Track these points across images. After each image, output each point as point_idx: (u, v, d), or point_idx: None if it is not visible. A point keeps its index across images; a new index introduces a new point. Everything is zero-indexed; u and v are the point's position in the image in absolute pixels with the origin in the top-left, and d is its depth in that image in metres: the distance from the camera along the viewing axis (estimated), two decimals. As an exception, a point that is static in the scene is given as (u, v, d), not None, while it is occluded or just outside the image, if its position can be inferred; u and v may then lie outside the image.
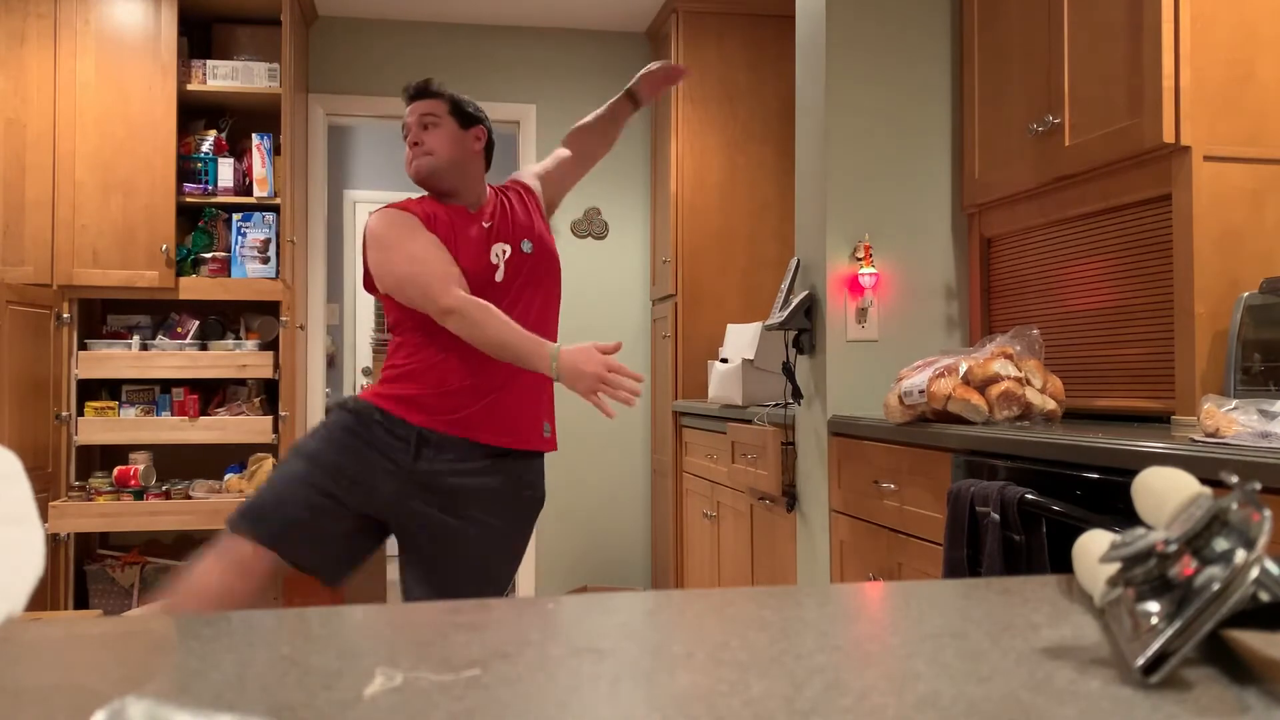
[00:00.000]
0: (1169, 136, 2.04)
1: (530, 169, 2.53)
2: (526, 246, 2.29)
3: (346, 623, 0.67)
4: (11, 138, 3.77)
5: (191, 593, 2.10)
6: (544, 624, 0.66)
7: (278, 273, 4.01)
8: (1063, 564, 1.64)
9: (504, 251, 2.27)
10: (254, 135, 4.04)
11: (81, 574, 3.90)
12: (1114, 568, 0.60)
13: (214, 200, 3.99)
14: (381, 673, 0.54)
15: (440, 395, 2.20)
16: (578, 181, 2.58)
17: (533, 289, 2.29)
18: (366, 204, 6.43)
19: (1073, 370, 2.43)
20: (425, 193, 2.34)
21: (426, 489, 2.18)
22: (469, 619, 0.68)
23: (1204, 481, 0.67)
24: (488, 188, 2.38)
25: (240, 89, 4.02)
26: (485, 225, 2.28)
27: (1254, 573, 0.52)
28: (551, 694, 0.51)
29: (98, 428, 3.85)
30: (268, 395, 4.06)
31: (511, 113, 4.83)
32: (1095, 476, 1.62)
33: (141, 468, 3.80)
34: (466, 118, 2.34)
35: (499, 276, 2.25)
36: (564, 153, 2.55)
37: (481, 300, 2.12)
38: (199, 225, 4.04)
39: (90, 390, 3.92)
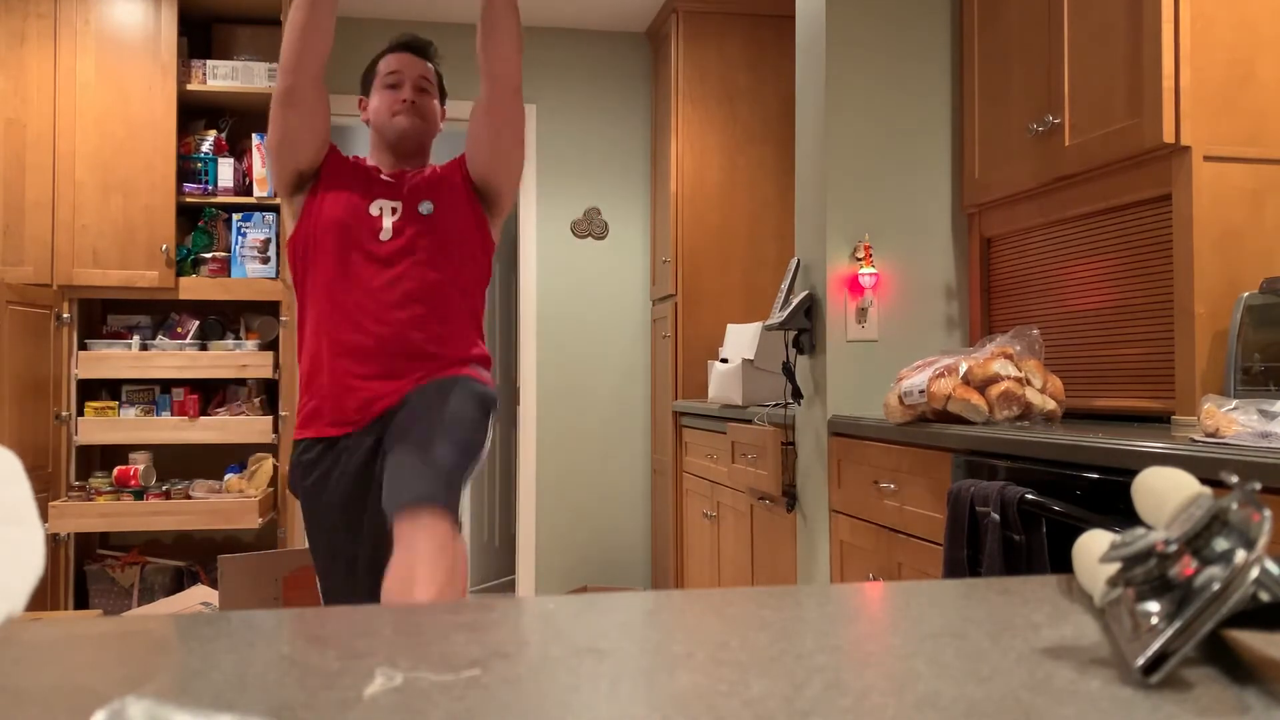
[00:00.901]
0: (1169, 136, 2.04)
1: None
2: (425, 208, 2.13)
3: (346, 623, 0.67)
4: (11, 138, 3.77)
5: None
6: (544, 624, 0.66)
7: (278, 273, 4.01)
8: (1063, 564, 1.64)
9: (393, 210, 2.11)
10: (254, 135, 4.04)
11: (81, 574, 3.90)
12: (1114, 568, 0.60)
13: (214, 200, 3.99)
14: (381, 673, 0.54)
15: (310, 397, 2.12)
16: (490, 122, 2.16)
17: (430, 257, 2.11)
18: (366, 204, 6.43)
19: (1073, 370, 2.43)
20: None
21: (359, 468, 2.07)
22: (469, 619, 0.68)
23: (1204, 481, 0.67)
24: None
25: (240, 89, 4.02)
26: (385, 178, 2.17)
27: (1254, 573, 0.52)
28: (551, 694, 0.51)
29: (98, 428, 3.85)
30: (268, 395, 4.06)
31: (511, 113, 4.82)
32: (1095, 476, 1.62)
33: (141, 468, 3.80)
34: (443, 93, 2.33)
35: (383, 235, 2.09)
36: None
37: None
38: (199, 225, 4.04)
39: (90, 390, 3.92)
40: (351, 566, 2.07)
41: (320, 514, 2.11)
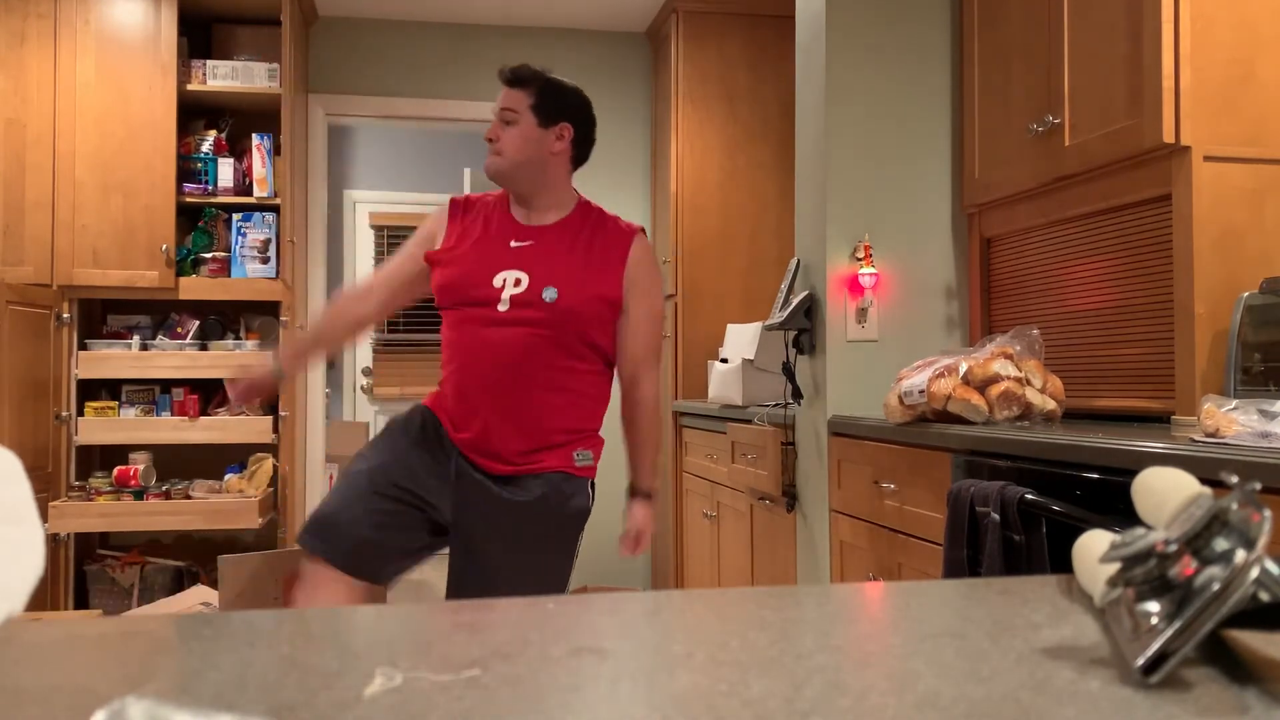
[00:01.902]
0: (1169, 136, 2.04)
1: (651, 266, 2.22)
2: (549, 295, 2.06)
3: (346, 623, 0.67)
4: (11, 138, 3.77)
5: None
6: (544, 624, 0.66)
7: (278, 273, 4.01)
8: (1063, 564, 1.64)
9: (516, 282, 2.07)
10: (254, 135, 4.04)
11: (81, 574, 3.90)
12: (1114, 568, 0.60)
13: (214, 200, 3.99)
14: (381, 673, 0.54)
15: (453, 412, 2.16)
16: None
17: (539, 347, 2.08)
18: (366, 204, 6.43)
19: (1073, 370, 2.43)
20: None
21: (468, 503, 2.13)
22: (469, 619, 0.68)
23: (1204, 481, 0.67)
24: (577, 200, 2.21)
25: (240, 89, 4.02)
26: (514, 244, 2.12)
27: (1254, 573, 0.52)
28: (551, 694, 0.51)
29: (98, 428, 3.85)
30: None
31: (511, 113, 4.82)
32: (1095, 476, 1.62)
33: (141, 468, 3.80)
34: (548, 114, 2.13)
35: (502, 306, 2.07)
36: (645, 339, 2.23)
37: (343, 299, 2.27)
38: (199, 225, 4.04)
39: (90, 390, 3.92)
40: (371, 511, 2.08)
41: (393, 457, 2.14)
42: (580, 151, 2.21)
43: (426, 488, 2.11)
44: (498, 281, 2.09)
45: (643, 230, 2.24)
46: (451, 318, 2.16)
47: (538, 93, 2.14)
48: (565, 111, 2.16)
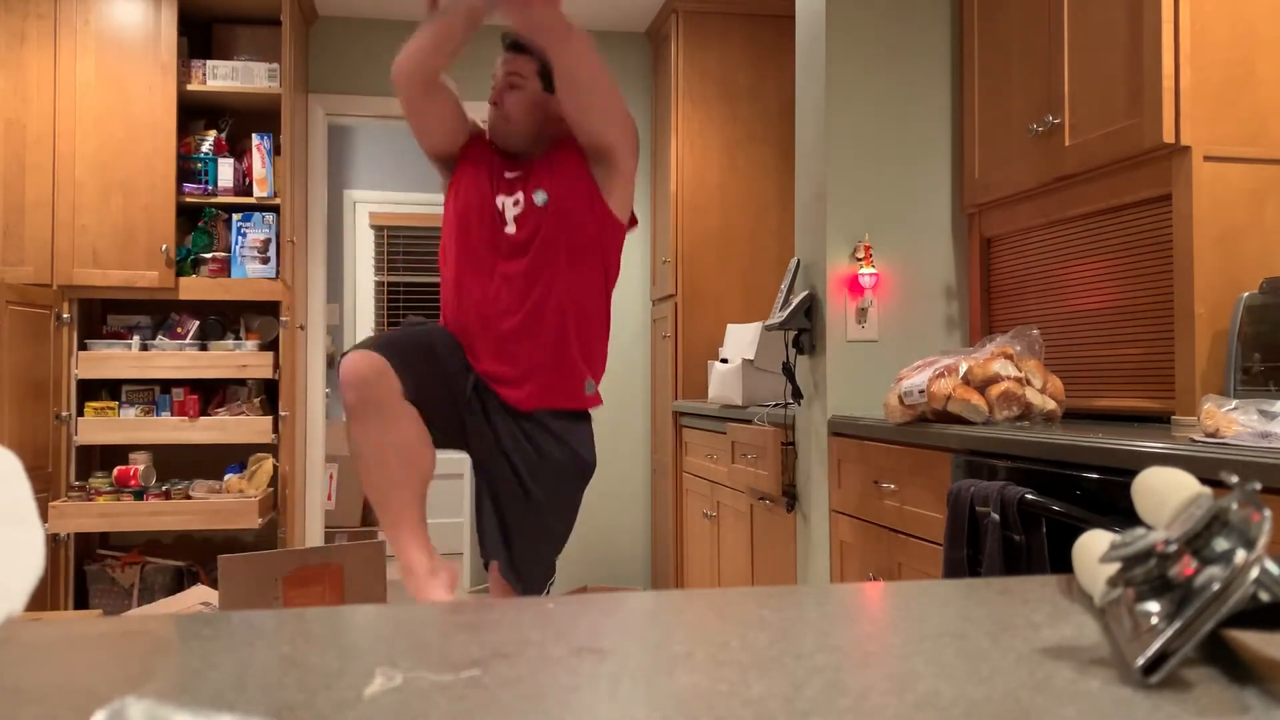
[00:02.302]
0: (1169, 136, 2.04)
1: None
2: (539, 198, 2.19)
3: (346, 623, 0.67)
4: (11, 138, 3.77)
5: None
6: (544, 624, 0.66)
7: (278, 273, 4.01)
8: (1063, 564, 1.64)
9: (515, 203, 2.20)
10: (254, 135, 4.04)
11: (81, 574, 3.90)
12: (1114, 568, 0.60)
13: (214, 200, 3.99)
14: (381, 673, 0.54)
15: (453, 322, 2.24)
16: (582, 105, 2.20)
17: (553, 249, 2.17)
18: (366, 204, 6.43)
19: (1073, 370, 2.43)
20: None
21: (482, 428, 2.20)
22: (469, 619, 0.68)
23: (1204, 481, 0.67)
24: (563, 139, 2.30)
25: (240, 89, 4.02)
26: (509, 175, 2.24)
27: (1254, 573, 0.52)
28: (551, 694, 0.51)
29: (98, 428, 3.85)
30: (268, 395, 4.06)
31: (511, 113, 4.82)
32: (1095, 476, 1.62)
33: (141, 468, 3.80)
34: (552, 80, 2.22)
35: (509, 229, 2.19)
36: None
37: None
38: (199, 225, 4.04)
39: (90, 390, 3.92)
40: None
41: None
42: None
43: None
44: (499, 205, 2.22)
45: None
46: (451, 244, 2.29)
47: (541, 59, 2.23)
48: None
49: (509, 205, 2.21)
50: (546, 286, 2.17)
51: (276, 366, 3.97)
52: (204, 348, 3.98)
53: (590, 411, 2.29)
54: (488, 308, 2.17)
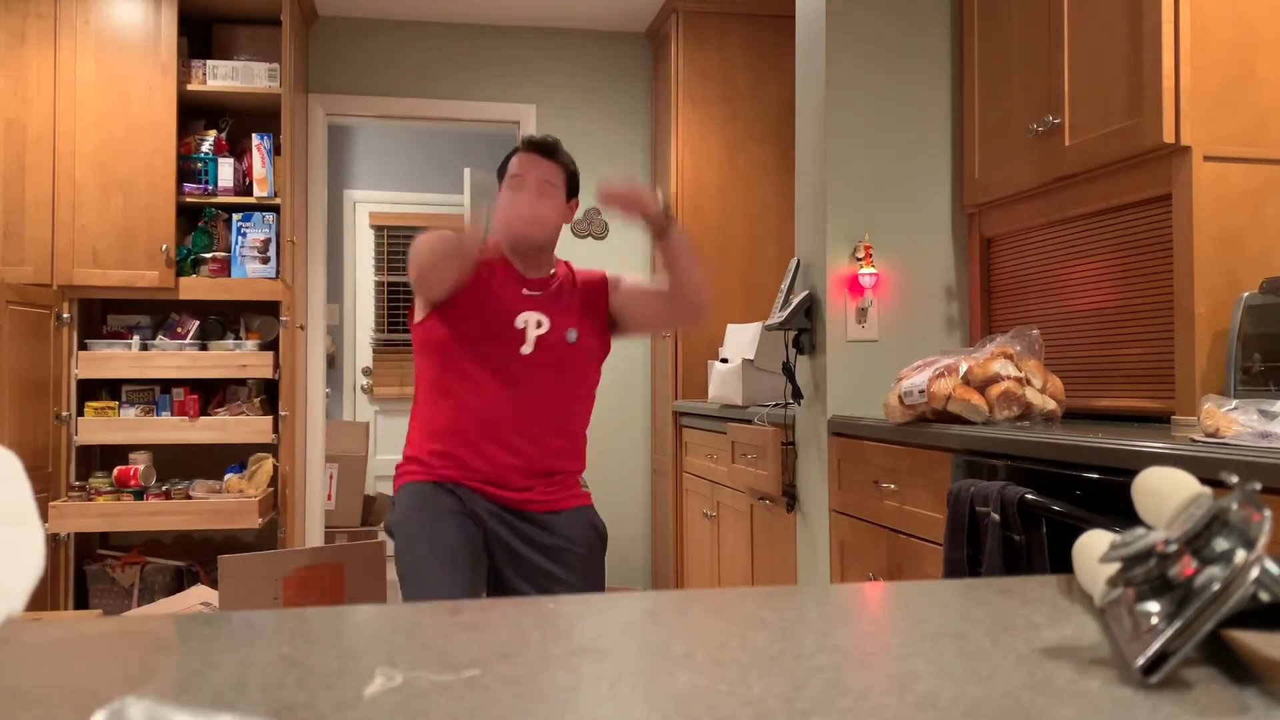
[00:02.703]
0: (1169, 136, 2.04)
1: (623, 276, 2.41)
2: (571, 336, 2.24)
3: (346, 623, 0.67)
4: (11, 138, 3.77)
5: None
6: (544, 624, 0.66)
7: (278, 273, 4.01)
8: (1063, 564, 1.64)
9: (538, 324, 2.21)
10: (254, 135, 4.04)
11: (81, 574, 3.90)
12: (1114, 568, 0.60)
13: (214, 200, 3.99)
14: (381, 673, 0.54)
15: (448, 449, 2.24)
16: (666, 323, 2.44)
17: (556, 379, 2.23)
18: (366, 204, 6.43)
19: (1073, 370, 2.43)
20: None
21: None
22: (469, 619, 0.68)
23: (1204, 481, 0.67)
24: (558, 261, 2.35)
25: (240, 89, 4.02)
26: (527, 293, 2.24)
27: (1254, 573, 0.52)
28: (551, 694, 0.51)
29: (98, 428, 3.85)
30: (268, 395, 4.06)
31: (511, 113, 4.83)
32: (1095, 476, 1.62)
33: (141, 468, 3.80)
34: (573, 189, 2.32)
35: (526, 349, 2.20)
36: (660, 284, 2.32)
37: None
38: (199, 225, 4.04)
39: (90, 390, 3.92)
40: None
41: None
42: None
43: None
44: (519, 323, 2.22)
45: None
46: (464, 356, 2.21)
47: (567, 169, 2.31)
48: (577, 188, 2.36)
49: (530, 325, 2.22)
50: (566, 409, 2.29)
51: (276, 366, 3.97)
52: (204, 348, 3.98)
53: None
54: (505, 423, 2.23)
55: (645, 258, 4.93)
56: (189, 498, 3.82)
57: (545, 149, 2.28)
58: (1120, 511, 1.55)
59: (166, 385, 3.97)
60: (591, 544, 2.28)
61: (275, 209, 4.04)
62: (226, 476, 3.92)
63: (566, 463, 2.27)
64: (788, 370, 2.89)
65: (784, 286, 2.94)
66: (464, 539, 2.13)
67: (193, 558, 4.09)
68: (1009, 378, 2.10)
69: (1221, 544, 0.54)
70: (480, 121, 4.90)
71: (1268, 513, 0.54)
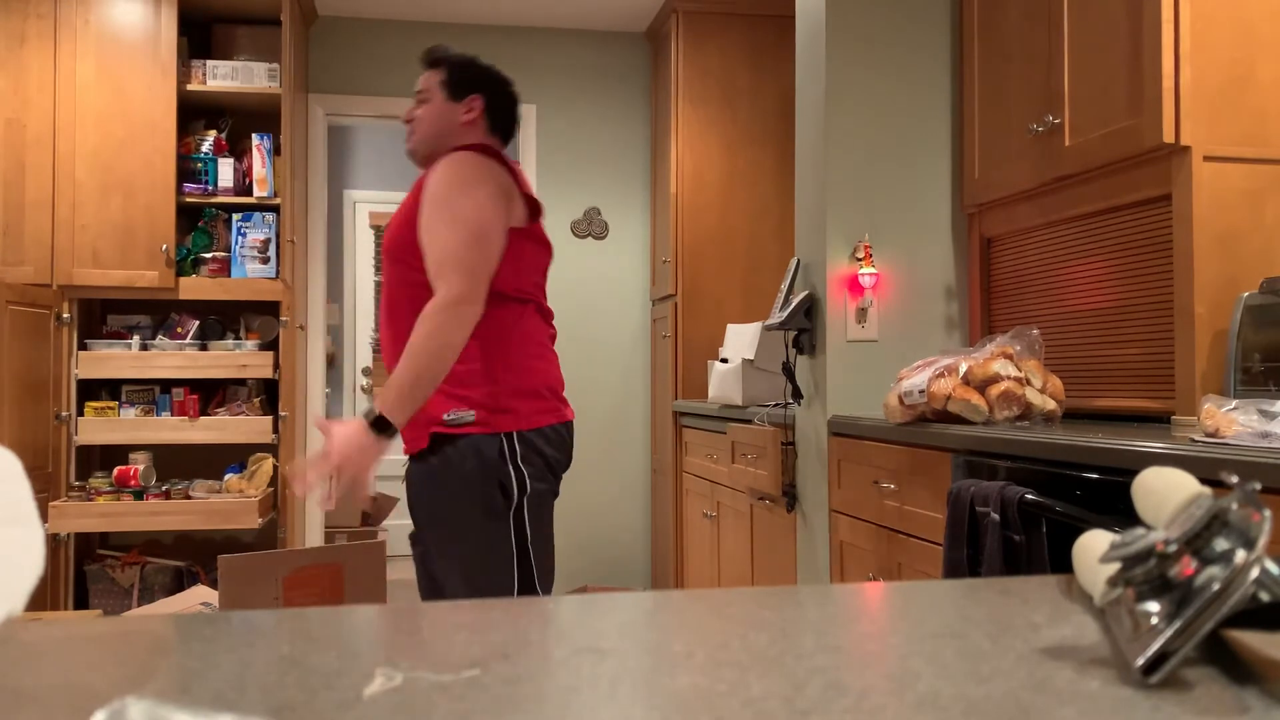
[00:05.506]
0: (1169, 136, 2.04)
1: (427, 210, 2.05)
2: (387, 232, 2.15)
3: (346, 623, 0.67)
4: (11, 138, 3.77)
5: None
6: (544, 624, 0.66)
7: (278, 273, 4.01)
8: (1063, 564, 1.64)
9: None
10: (254, 135, 4.04)
11: (81, 574, 3.90)
12: (1114, 568, 0.60)
13: (214, 200, 3.99)
14: (381, 673, 0.54)
15: None
16: None
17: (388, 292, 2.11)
18: (366, 204, 6.43)
19: (1073, 370, 2.43)
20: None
21: None
22: (469, 619, 0.68)
23: (1204, 481, 0.67)
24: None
25: (240, 89, 4.02)
26: None
27: (1254, 573, 0.52)
28: (551, 694, 0.51)
29: (98, 428, 3.85)
30: (268, 395, 4.06)
31: (511, 113, 4.82)
32: (1095, 476, 1.62)
33: (141, 468, 3.80)
34: (458, 87, 2.16)
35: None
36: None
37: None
38: (199, 225, 4.04)
39: (90, 390, 3.92)
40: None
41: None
42: (495, 120, 2.20)
43: None
44: None
45: (467, 150, 2.07)
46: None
47: (448, 69, 2.18)
48: (474, 84, 2.18)
49: None
50: None
51: (276, 366, 3.97)
52: (204, 347, 3.98)
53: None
54: None
55: (645, 258, 4.93)
56: (189, 498, 3.82)
57: (423, 60, 2.23)
58: (1120, 511, 1.55)
59: (166, 385, 3.97)
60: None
61: (275, 209, 4.03)
62: (226, 476, 3.92)
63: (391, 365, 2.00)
64: (788, 370, 2.89)
65: (784, 286, 2.94)
66: None
67: (193, 558, 4.09)
68: (1009, 378, 2.10)
69: (1221, 544, 0.54)
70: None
71: (1268, 513, 0.54)
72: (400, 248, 2.07)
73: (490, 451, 1.98)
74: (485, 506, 1.97)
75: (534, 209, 2.11)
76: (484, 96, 2.18)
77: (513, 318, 2.06)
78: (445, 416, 1.99)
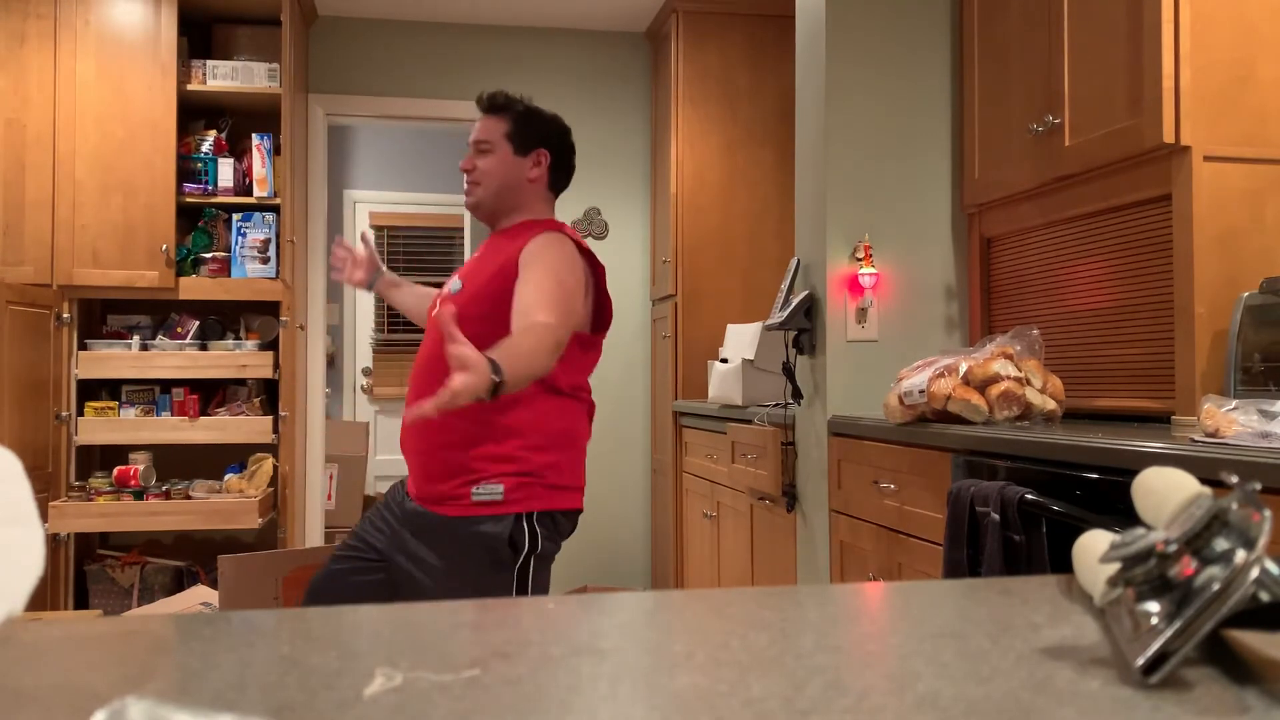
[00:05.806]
0: (1169, 136, 2.04)
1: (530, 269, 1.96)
2: (455, 286, 2.03)
3: (346, 623, 0.67)
4: (11, 138, 3.77)
5: None
6: (544, 624, 0.66)
7: (278, 273, 4.01)
8: (1063, 564, 1.64)
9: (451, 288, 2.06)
10: (254, 135, 4.04)
11: (81, 574, 3.90)
12: (1114, 568, 0.60)
13: (214, 200, 3.99)
14: (381, 673, 0.54)
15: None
16: None
17: (432, 333, 2.00)
18: (366, 204, 6.43)
19: (1073, 370, 2.43)
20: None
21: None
22: (469, 619, 0.68)
23: (1204, 481, 0.67)
24: (536, 222, 2.09)
25: (240, 89, 4.02)
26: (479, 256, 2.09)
27: (1254, 573, 0.52)
28: (551, 694, 0.51)
29: (98, 428, 3.85)
30: (268, 395, 4.06)
31: (511, 113, 4.83)
32: (1095, 476, 1.62)
33: (141, 468, 3.80)
34: (525, 141, 2.09)
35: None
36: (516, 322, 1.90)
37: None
38: (199, 225, 4.04)
39: (90, 390, 3.92)
40: None
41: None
42: (556, 178, 2.16)
43: None
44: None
45: (560, 228, 2.05)
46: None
47: (513, 120, 2.10)
48: (541, 138, 2.12)
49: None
50: None
51: (276, 366, 3.97)
52: (204, 348, 3.98)
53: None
54: None
55: (645, 258, 4.93)
56: (189, 498, 3.82)
57: (483, 105, 2.11)
58: (1120, 511, 1.55)
59: (166, 385, 3.97)
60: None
61: (275, 209, 4.03)
62: (226, 476, 3.92)
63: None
64: (788, 370, 2.89)
65: (784, 286, 2.94)
66: None
67: (193, 558, 4.09)
68: (1009, 378, 2.10)
69: (1221, 544, 0.54)
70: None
71: (1268, 513, 0.54)
72: (490, 301, 1.95)
73: (509, 525, 1.96)
74: (493, 560, 1.95)
75: (601, 320, 2.06)
76: (550, 151, 2.13)
77: (574, 412, 2.04)
78: (474, 491, 1.94)
